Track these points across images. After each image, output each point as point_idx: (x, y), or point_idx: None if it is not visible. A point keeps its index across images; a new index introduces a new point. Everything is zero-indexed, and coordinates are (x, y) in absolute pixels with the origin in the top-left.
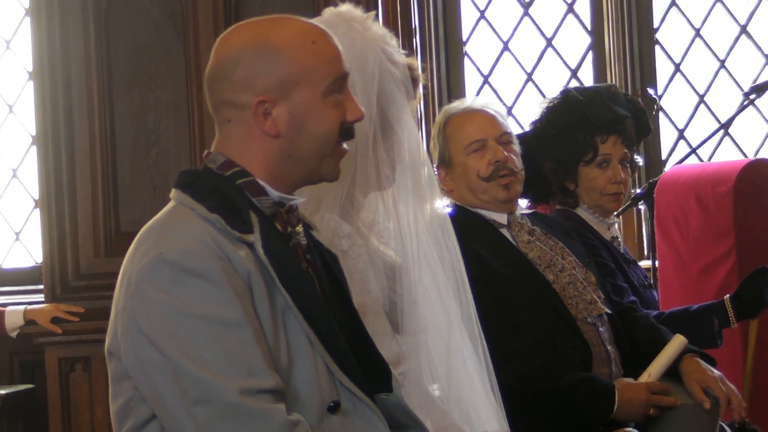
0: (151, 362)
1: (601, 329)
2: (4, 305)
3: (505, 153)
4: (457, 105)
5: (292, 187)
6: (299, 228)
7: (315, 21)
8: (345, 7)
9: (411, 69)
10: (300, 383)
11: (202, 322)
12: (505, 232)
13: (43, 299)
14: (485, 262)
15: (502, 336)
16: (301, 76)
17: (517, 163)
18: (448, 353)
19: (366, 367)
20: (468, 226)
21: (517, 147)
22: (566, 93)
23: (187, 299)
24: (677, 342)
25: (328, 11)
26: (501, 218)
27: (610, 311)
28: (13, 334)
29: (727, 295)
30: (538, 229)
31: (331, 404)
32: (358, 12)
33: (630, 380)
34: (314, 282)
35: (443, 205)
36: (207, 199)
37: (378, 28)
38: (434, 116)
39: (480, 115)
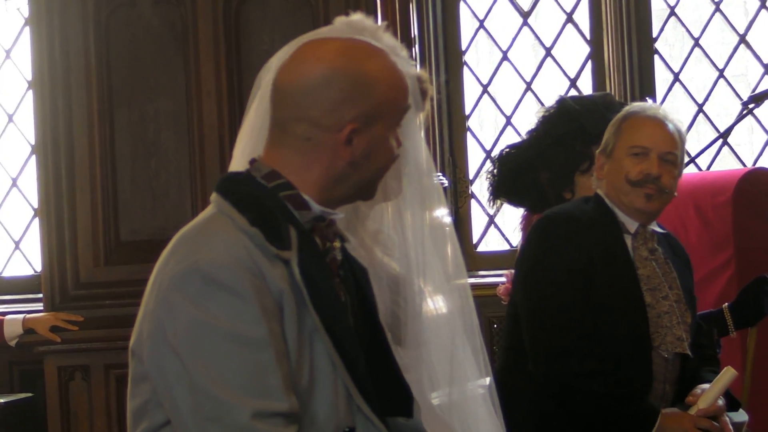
0: (171, 371)
1: (669, 367)
2: (3, 314)
3: (660, 170)
4: (645, 106)
5: (335, 206)
6: (336, 243)
7: (326, 30)
8: (356, 17)
9: (420, 81)
10: (319, 406)
11: (226, 338)
12: (628, 240)
13: (42, 308)
14: (592, 260)
15: (569, 333)
16: (386, 109)
17: (670, 184)
18: (451, 366)
19: (387, 391)
20: (596, 219)
21: (678, 171)
22: (562, 102)
23: (214, 313)
24: (728, 375)
25: (339, 20)
26: (631, 225)
27: (692, 355)
28: (12, 343)
29: (726, 304)
30: (661, 251)
31: (346, 430)
32: (369, 22)
33: (677, 410)
34: (346, 305)
35: (446, 214)
36: (247, 210)
37: (389, 38)
38: (432, 126)
39: (658, 125)
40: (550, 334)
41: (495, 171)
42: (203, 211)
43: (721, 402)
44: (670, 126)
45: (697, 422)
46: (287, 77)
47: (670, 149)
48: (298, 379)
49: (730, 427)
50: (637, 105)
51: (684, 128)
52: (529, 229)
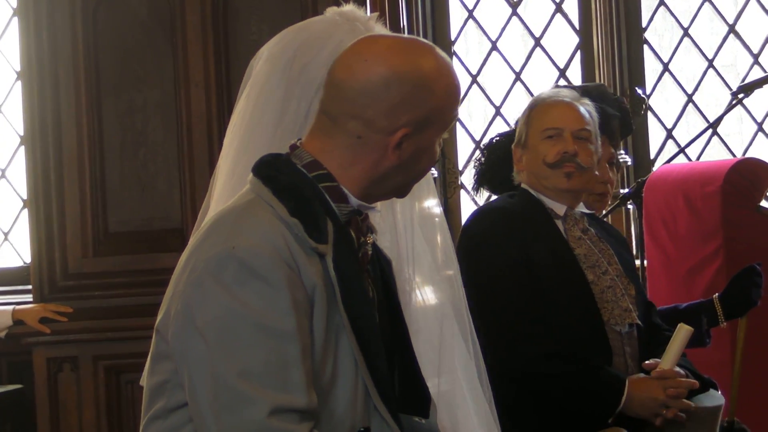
0: (195, 355)
1: (625, 341)
2: None
3: (576, 147)
4: (551, 92)
5: (372, 201)
6: (369, 238)
7: (317, 20)
8: (348, 7)
9: None
10: (338, 403)
11: (254, 328)
12: (559, 223)
13: (31, 299)
14: (532, 247)
15: (520, 319)
16: (439, 116)
17: (588, 160)
18: (440, 356)
19: (405, 389)
20: (525, 209)
21: (593, 147)
22: None
23: (246, 300)
24: (683, 332)
25: (331, 11)
26: (559, 209)
27: (641, 323)
28: (1, 335)
29: (716, 294)
30: (593, 231)
31: (361, 429)
32: (360, 12)
33: (642, 376)
34: (373, 302)
35: (436, 204)
36: (287, 199)
37: (380, 29)
38: None
39: (565, 105)
40: (501, 324)
41: (482, 159)
42: (240, 193)
43: (681, 371)
44: (579, 106)
45: (664, 385)
46: (346, 73)
47: (582, 126)
48: (321, 375)
49: (695, 383)
50: (543, 93)
51: (594, 110)
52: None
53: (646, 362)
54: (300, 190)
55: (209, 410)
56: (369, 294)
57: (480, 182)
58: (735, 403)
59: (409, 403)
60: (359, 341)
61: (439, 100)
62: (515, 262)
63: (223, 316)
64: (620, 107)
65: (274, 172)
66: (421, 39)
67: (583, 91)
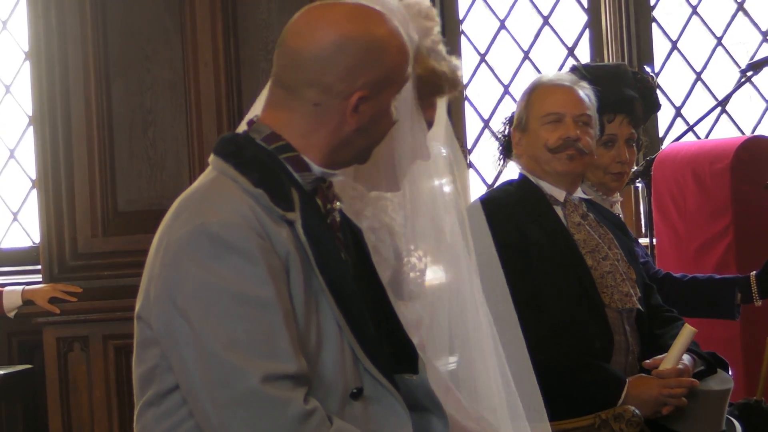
0: (180, 335)
1: (625, 319)
2: (2, 285)
3: (578, 132)
4: (550, 75)
5: (335, 168)
6: (337, 204)
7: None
8: None
9: (455, 71)
10: (326, 367)
11: (235, 300)
12: (558, 210)
13: (40, 279)
14: (529, 232)
15: (519, 305)
16: (394, 77)
17: (589, 145)
18: (450, 333)
19: (392, 348)
20: (525, 194)
21: (594, 131)
22: (574, 71)
23: (223, 274)
24: (687, 332)
25: None
26: (559, 195)
27: (643, 309)
28: (11, 315)
29: (754, 272)
30: (593, 216)
31: (354, 390)
32: None
33: (642, 375)
34: (348, 265)
35: (447, 181)
36: (251, 171)
37: (393, 2)
38: None
39: (566, 90)
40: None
41: (506, 131)
42: (202, 174)
43: (683, 364)
44: (579, 90)
45: (664, 384)
46: (298, 42)
47: (583, 111)
48: (306, 341)
49: (696, 382)
50: (543, 75)
51: (592, 94)
52: None
53: (646, 361)
54: (262, 162)
55: (202, 388)
56: (342, 257)
57: (506, 154)
58: (764, 384)
59: (397, 362)
60: (338, 303)
61: (392, 59)
62: (505, 247)
63: (203, 293)
64: (643, 86)
65: (234, 148)
66: (374, 7)
67: (603, 71)
